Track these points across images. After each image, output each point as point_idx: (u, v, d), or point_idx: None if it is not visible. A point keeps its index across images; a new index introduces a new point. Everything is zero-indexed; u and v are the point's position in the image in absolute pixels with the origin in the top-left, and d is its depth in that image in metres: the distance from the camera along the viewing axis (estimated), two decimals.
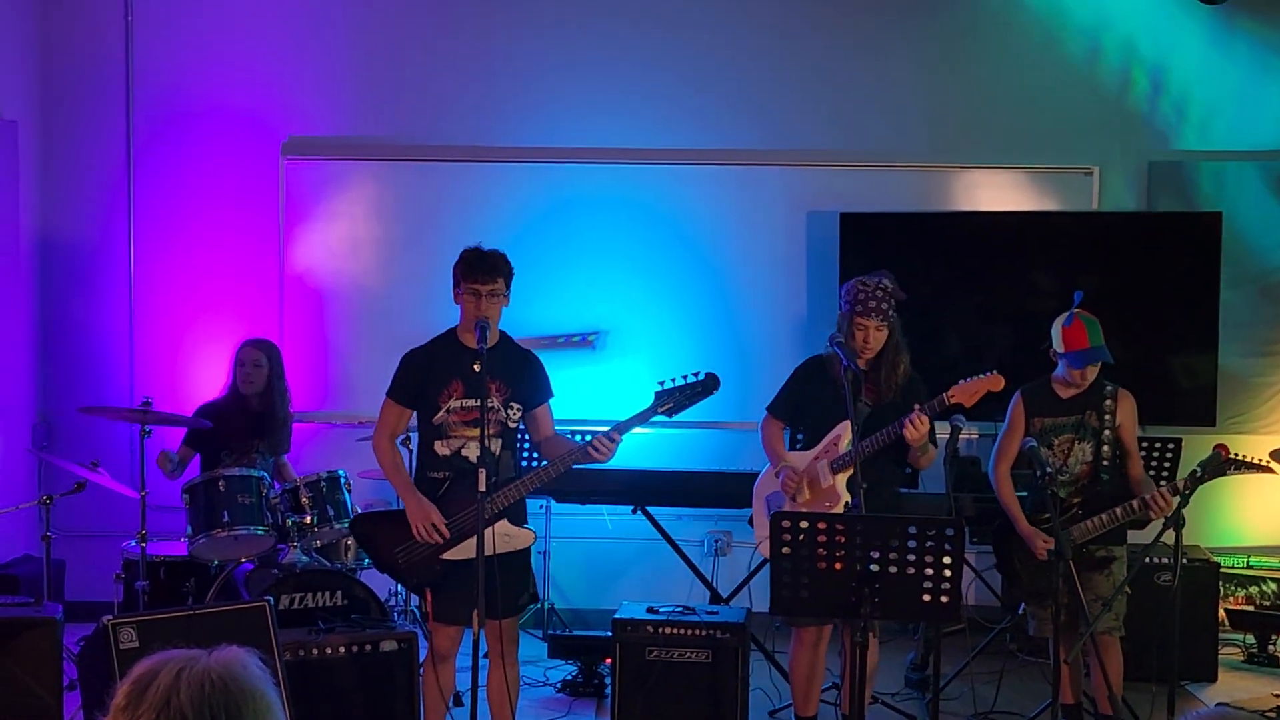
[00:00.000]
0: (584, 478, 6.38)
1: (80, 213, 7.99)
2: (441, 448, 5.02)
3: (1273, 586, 7.13)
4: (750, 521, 5.70)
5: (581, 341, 7.86)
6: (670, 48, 7.90)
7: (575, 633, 7.15)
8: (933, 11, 7.95)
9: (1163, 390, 7.32)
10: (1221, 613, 7.00)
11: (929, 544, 4.35)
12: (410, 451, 5.87)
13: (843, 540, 4.40)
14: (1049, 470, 5.17)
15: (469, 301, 4.97)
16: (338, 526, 6.26)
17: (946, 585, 4.37)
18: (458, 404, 5.00)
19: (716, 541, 7.78)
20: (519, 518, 5.06)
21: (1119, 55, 7.88)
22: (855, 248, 7.46)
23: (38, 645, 5.40)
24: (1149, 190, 7.87)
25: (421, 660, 5.42)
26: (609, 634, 5.63)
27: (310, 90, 7.97)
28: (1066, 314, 5.46)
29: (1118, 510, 5.32)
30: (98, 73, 7.94)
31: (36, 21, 7.90)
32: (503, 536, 4.88)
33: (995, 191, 7.87)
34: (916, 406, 5.10)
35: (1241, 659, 7.07)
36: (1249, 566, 7.28)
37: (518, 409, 5.06)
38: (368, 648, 5.46)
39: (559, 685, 6.55)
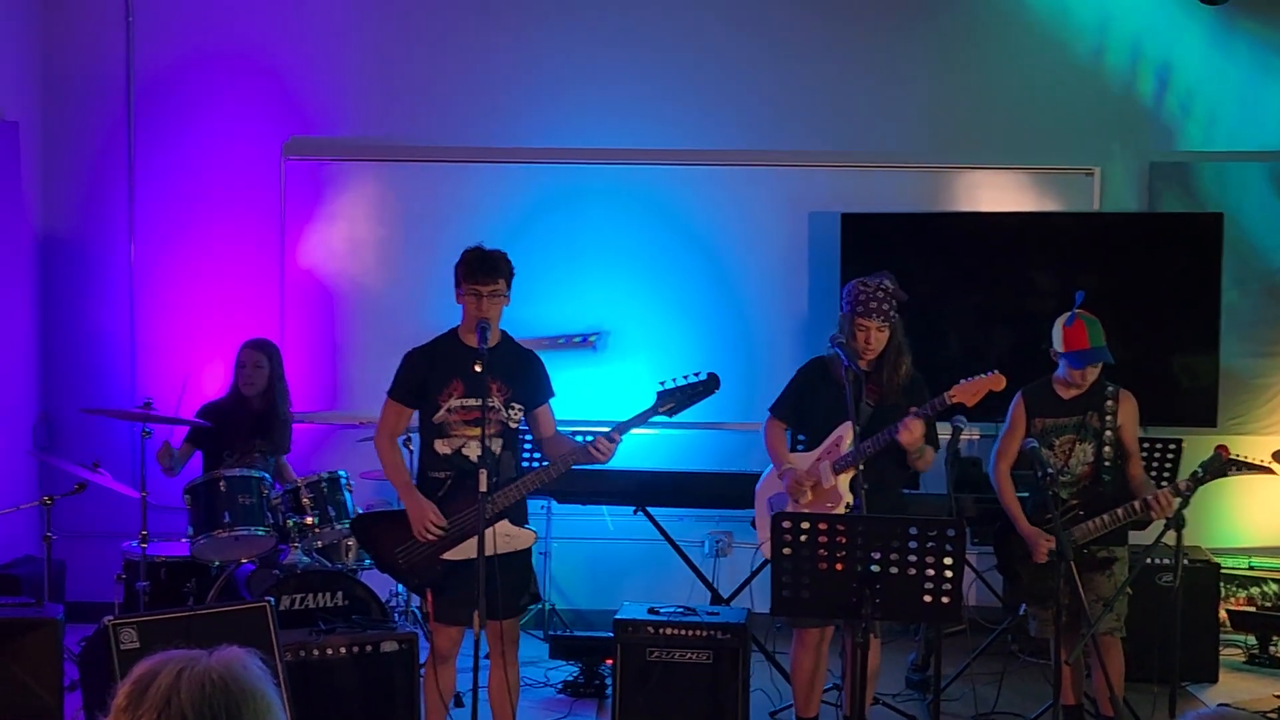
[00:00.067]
0: (585, 478, 6.38)
1: (82, 213, 7.99)
2: (442, 447, 5.03)
3: (1273, 587, 7.13)
4: (753, 523, 5.69)
5: (583, 342, 7.86)
6: (672, 48, 7.90)
7: (576, 633, 7.15)
8: (934, 13, 7.95)
9: (1164, 391, 7.31)
10: (1222, 613, 7.00)
11: (930, 545, 4.35)
12: (411, 452, 5.87)
13: (843, 541, 4.40)
14: (1050, 471, 5.16)
15: (470, 302, 4.97)
16: (339, 527, 6.25)
17: (947, 586, 4.37)
18: (458, 403, 5.00)
19: (717, 542, 7.78)
20: (520, 518, 5.06)
21: (1120, 56, 7.87)
22: (857, 248, 7.46)
23: (39, 646, 5.41)
24: (1150, 191, 7.87)
25: (422, 661, 5.42)
26: (610, 635, 5.63)
27: (312, 91, 7.97)
28: (1068, 314, 5.45)
29: (1119, 511, 5.32)
30: (99, 74, 7.95)
31: (38, 23, 7.90)
32: (504, 536, 4.88)
33: (996, 192, 7.87)
34: (911, 411, 5.10)
35: (1242, 660, 7.06)
36: (1250, 567, 7.28)
37: (519, 409, 5.06)
38: (368, 648, 5.46)
39: (560, 686, 6.55)
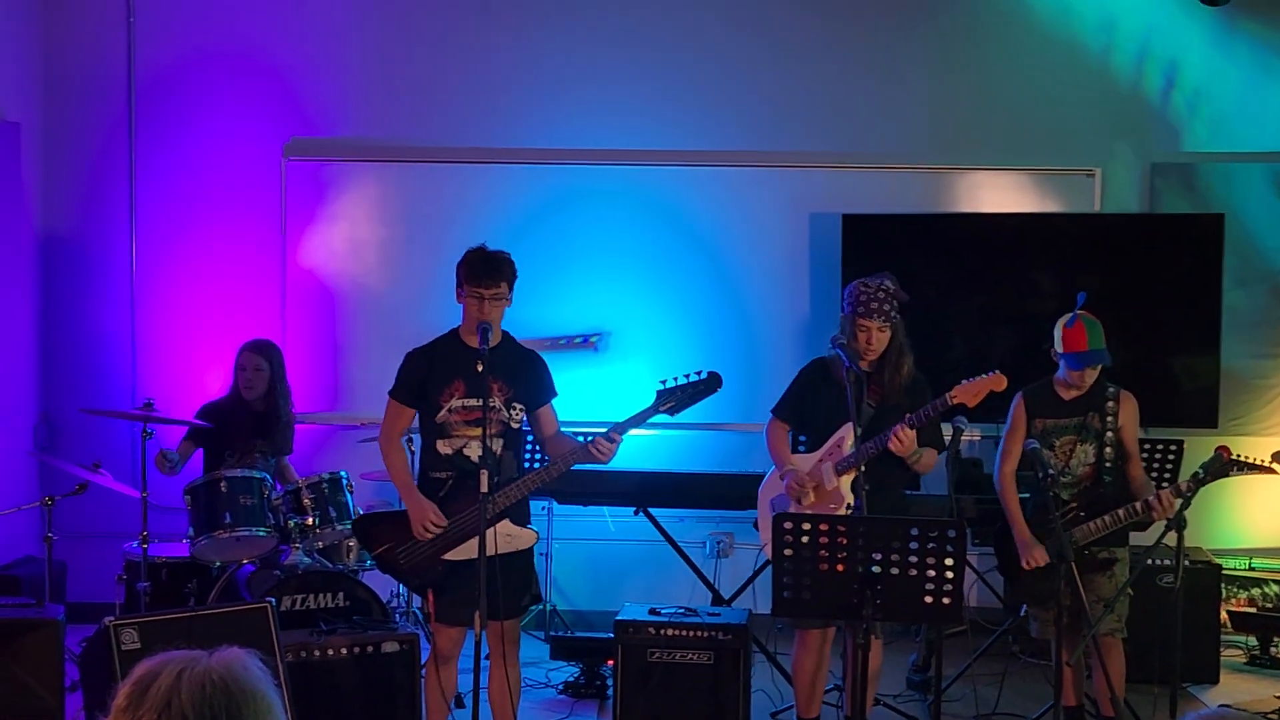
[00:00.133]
0: (586, 479, 6.38)
1: (83, 214, 8.00)
2: (444, 447, 5.03)
3: (1274, 588, 7.13)
4: (755, 524, 5.70)
5: (584, 343, 7.86)
6: (673, 49, 7.90)
7: (577, 634, 7.15)
8: (935, 14, 7.95)
9: (1164, 392, 7.31)
10: (1223, 614, 7.00)
11: (930, 545, 4.34)
12: (412, 452, 5.87)
13: (844, 542, 4.39)
14: (1051, 472, 5.16)
15: (472, 304, 4.97)
16: (340, 528, 6.26)
17: (948, 587, 4.37)
18: (459, 403, 5.00)
19: (719, 543, 7.78)
20: (522, 518, 5.06)
21: (1121, 57, 7.87)
22: (858, 249, 7.46)
23: (39, 646, 5.41)
24: (1151, 192, 7.86)
25: (423, 661, 5.42)
26: (611, 635, 5.63)
27: (312, 91, 7.98)
28: (1069, 315, 5.45)
29: (1120, 512, 5.32)
30: (100, 74, 7.95)
31: (39, 24, 7.90)
32: (505, 536, 4.88)
33: (997, 193, 7.87)
34: (906, 417, 5.10)
35: (1243, 661, 7.06)
36: (1251, 568, 7.28)
37: (520, 409, 5.06)
38: (369, 649, 5.47)
39: (561, 687, 6.55)
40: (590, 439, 4.97)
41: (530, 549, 5.12)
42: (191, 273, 7.97)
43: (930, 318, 6.98)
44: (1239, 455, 5.24)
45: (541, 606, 7.50)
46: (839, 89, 7.93)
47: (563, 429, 5.23)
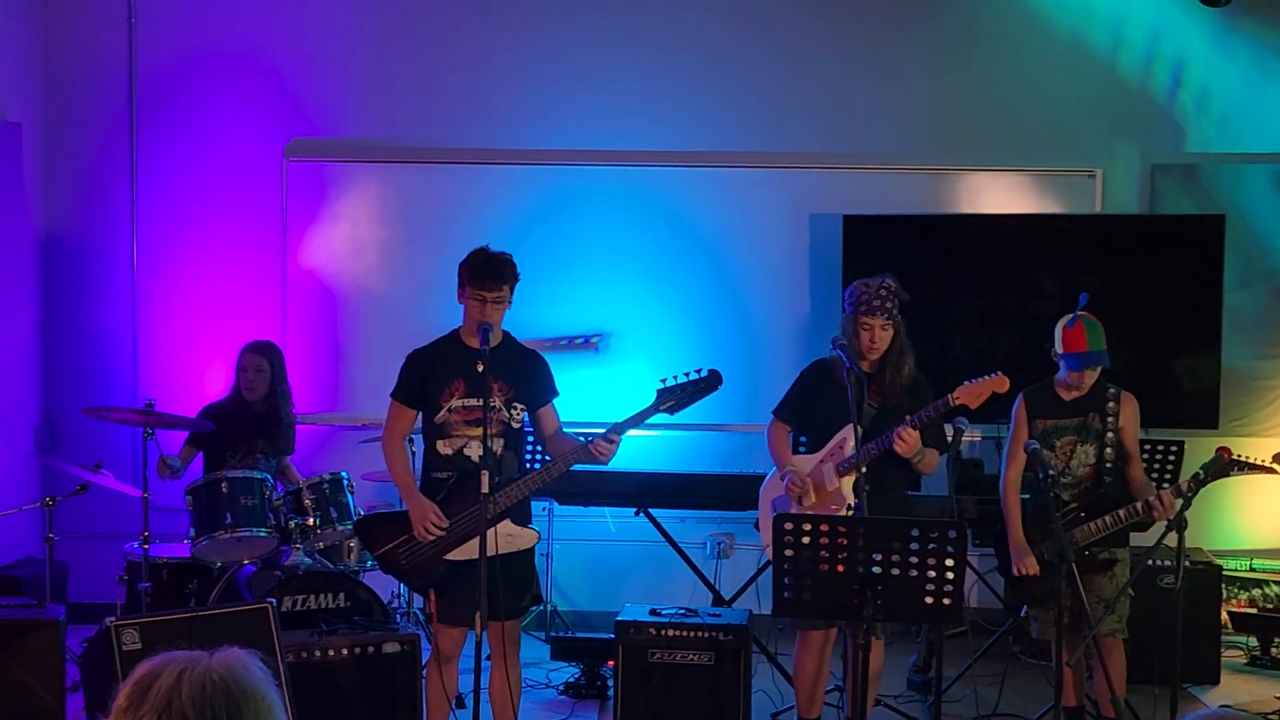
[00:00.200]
0: (587, 480, 6.39)
1: (84, 215, 8.00)
2: (444, 447, 5.03)
3: (1275, 589, 7.13)
4: (756, 525, 5.70)
5: (585, 343, 7.87)
6: (674, 50, 7.90)
7: (578, 635, 7.15)
8: (935, 15, 7.95)
9: (1165, 393, 7.31)
10: (1224, 615, 7.00)
11: (931, 546, 4.34)
12: (414, 453, 5.88)
13: (845, 542, 4.40)
14: (1052, 473, 5.16)
15: (474, 306, 4.97)
16: (340, 528, 6.26)
17: (949, 587, 4.37)
18: (459, 403, 5.01)
19: (719, 544, 7.78)
20: (523, 518, 5.06)
21: (1122, 58, 7.87)
22: (858, 250, 7.45)
23: (40, 647, 5.41)
24: (1152, 193, 7.87)
25: (424, 662, 5.43)
26: (612, 636, 5.63)
27: (313, 92, 7.98)
28: (1070, 315, 5.45)
29: (1121, 512, 5.32)
30: (102, 75, 7.96)
31: (40, 24, 7.91)
32: (506, 537, 4.88)
33: (998, 194, 7.87)
34: (907, 418, 5.09)
35: (1244, 662, 7.06)
36: (1251, 569, 7.28)
37: (521, 409, 5.06)
38: (370, 649, 5.47)
39: (561, 687, 6.55)
40: (590, 439, 4.97)
41: (531, 549, 5.12)
42: (192, 273, 7.97)
43: (931, 319, 6.98)
44: (1240, 456, 5.24)
45: (542, 607, 7.50)
46: (840, 89, 7.93)
47: (564, 429, 5.23)
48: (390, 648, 5.50)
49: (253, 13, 7.96)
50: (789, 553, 4.44)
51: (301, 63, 7.96)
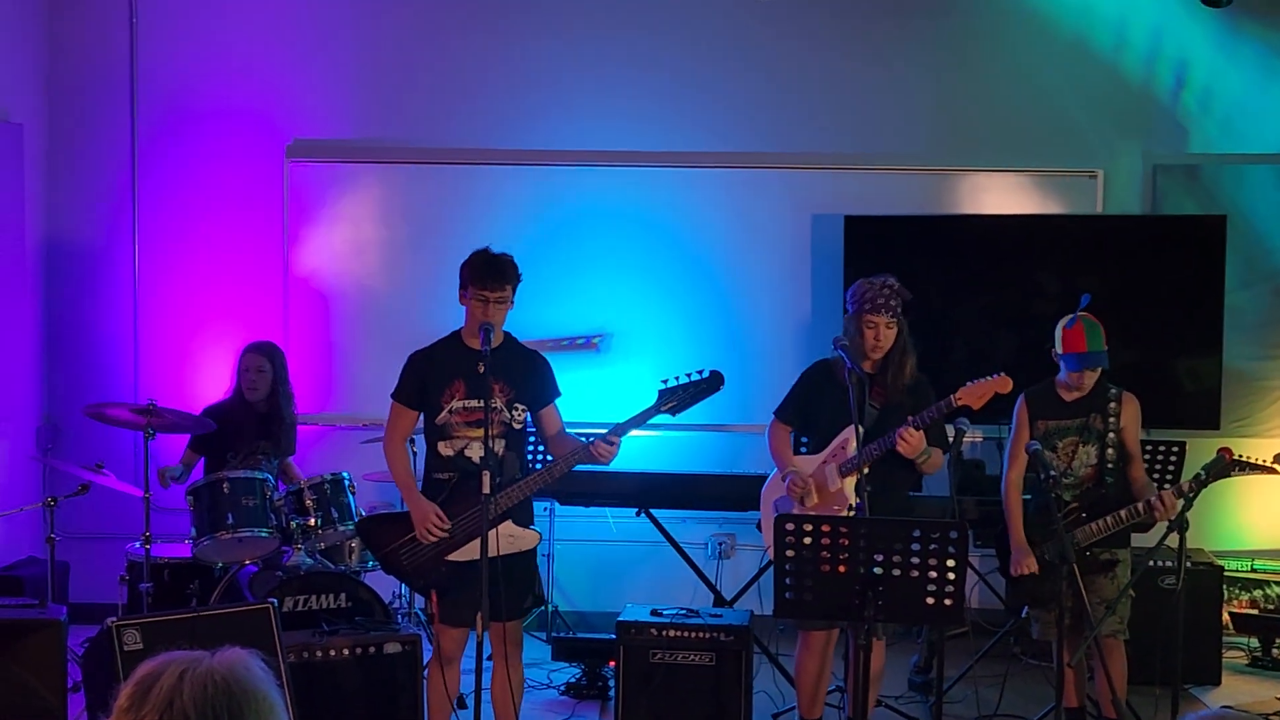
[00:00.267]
0: (588, 480, 6.38)
1: (85, 215, 8.00)
2: (445, 448, 5.04)
3: (1276, 590, 7.13)
4: (758, 526, 5.70)
5: (586, 344, 7.87)
6: (675, 51, 7.90)
7: (579, 635, 7.15)
8: (936, 15, 7.95)
9: (1167, 393, 7.31)
10: (1225, 616, 7.00)
11: (932, 547, 4.34)
12: (415, 454, 5.88)
13: (846, 543, 4.40)
14: (1053, 473, 5.16)
15: (476, 306, 4.97)
16: (342, 529, 6.26)
17: (950, 588, 4.36)
18: (460, 404, 5.01)
19: (720, 544, 7.78)
20: (525, 518, 5.06)
21: (1124, 58, 7.86)
22: (860, 251, 7.45)
23: (42, 647, 5.41)
24: (1154, 193, 7.86)
25: (425, 662, 5.43)
26: (613, 636, 5.63)
27: (315, 92, 7.98)
28: (1070, 316, 5.46)
29: (1122, 513, 5.32)
30: (103, 75, 7.96)
31: (43, 24, 7.91)
32: (508, 537, 4.88)
33: (1000, 194, 7.87)
34: (909, 419, 5.09)
35: (1245, 662, 7.06)
36: (1253, 570, 7.27)
37: (522, 410, 5.06)
38: (371, 650, 5.47)
39: (563, 688, 6.55)
40: (592, 440, 4.97)
41: (533, 550, 5.12)
42: (194, 274, 7.97)
43: (933, 319, 6.98)
44: (1241, 456, 5.24)
45: (543, 608, 7.50)
46: (842, 90, 7.93)
47: (566, 429, 5.23)
48: (391, 648, 5.51)
49: (255, 13, 7.96)
50: (790, 553, 4.44)
51: (303, 63, 7.96)
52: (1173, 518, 5.15)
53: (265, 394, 6.66)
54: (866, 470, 5.05)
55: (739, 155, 7.91)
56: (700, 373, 5.01)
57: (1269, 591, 7.14)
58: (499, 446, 4.98)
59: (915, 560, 4.35)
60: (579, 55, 7.92)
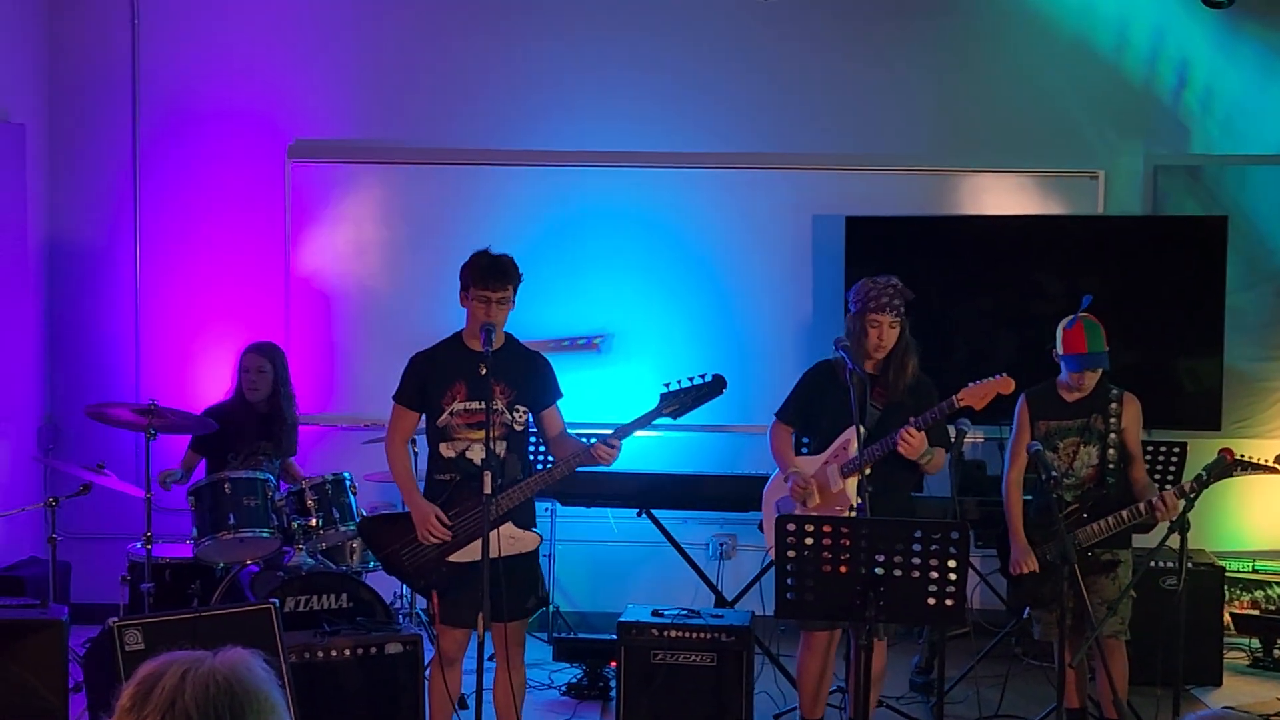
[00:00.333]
0: (589, 480, 6.38)
1: (87, 215, 8.00)
2: (447, 450, 5.04)
3: (1278, 591, 7.13)
4: (760, 526, 5.69)
5: (587, 344, 7.87)
6: (677, 52, 7.90)
7: (580, 635, 7.16)
8: (937, 16, 7.94)
9: (1168, 394, 7.31)
10: (1227, 617, 7.00)
11: (934, 548, 4.34)
12: (416, 454, 5.88)
13: (848, 544, 4.40)
14: (1054, 474, 5.16)
15: (478, 307, 4.97)
16: (343, 529, 6.27)
17: (951, 589, 4.36)
18: (461, 406, 5.01)
19: (722, 545, 7.78)
20: (526, 520, 5.06)
21: (1126, 59, 7.86)
22: (861, 251, 7.45)
23: (43, 647, 5.41)
24: (1155, 194, 7.86)
25: (427, 662, 5.43)
26: (614, 637, 5.63)
27: (317, 93, 7.98)
28: (1071, 316, 5.46)
29: (1123, 513, 5.32)
30: (105, 76, 7.96)
31: (44, 25, 7.92)
32: (508, 539, 4.89)
33: (1001, 195, 7.87)
34: (911, 420, 5.09)
35: (1246, 663, 7.06)
36: (1254, 571, 7.27)
37: (523, 411, 5.06)
38: (373, 650, 5.47)
39: (564, 688, 6.55)
40: (593, 442, 4.97)
41: (536, 551, 5.11)
42: (195, 274, 7.98)
43: (933, 320, 6.97)
44: (1242, 456, 5.24)
45: (544, 608, 7.50)
46: (843, 91, 7.93)
47: (567, 430, 5.23)
48: (393, 648, 5.51)
49: (256, 14, 7.96)
50: (792, 554, 4.44)
51: (305, 64, 7.96)
52: (1174, 518, 5.15)
53: (266, 394, 6.66)
54: (868, 471, 5.05)
55: (740, 156, 7.91)
56: (703, 376, 5.01)
57: (1270, 592, 7.14)
58: (500, 448, 4.98)
59: (916, 561, 4.35)
60: (580, 56, 7.92)
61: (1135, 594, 5.45)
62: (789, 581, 4.47)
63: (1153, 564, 6.14)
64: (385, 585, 6.19)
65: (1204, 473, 5.17)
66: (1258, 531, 7.74)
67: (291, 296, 7.93)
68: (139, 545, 6.14)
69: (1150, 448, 6.58)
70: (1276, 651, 7.01)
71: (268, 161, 7.95)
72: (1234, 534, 7.70)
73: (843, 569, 4.40)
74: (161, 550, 6.32)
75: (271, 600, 5.27)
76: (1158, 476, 6.57)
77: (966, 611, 4.67)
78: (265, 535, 6.09)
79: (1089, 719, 5.64)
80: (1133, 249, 7.55)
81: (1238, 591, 7.18)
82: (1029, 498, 5.65)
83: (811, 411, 5.45)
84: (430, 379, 5.07)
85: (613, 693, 6.14)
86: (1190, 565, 5.81)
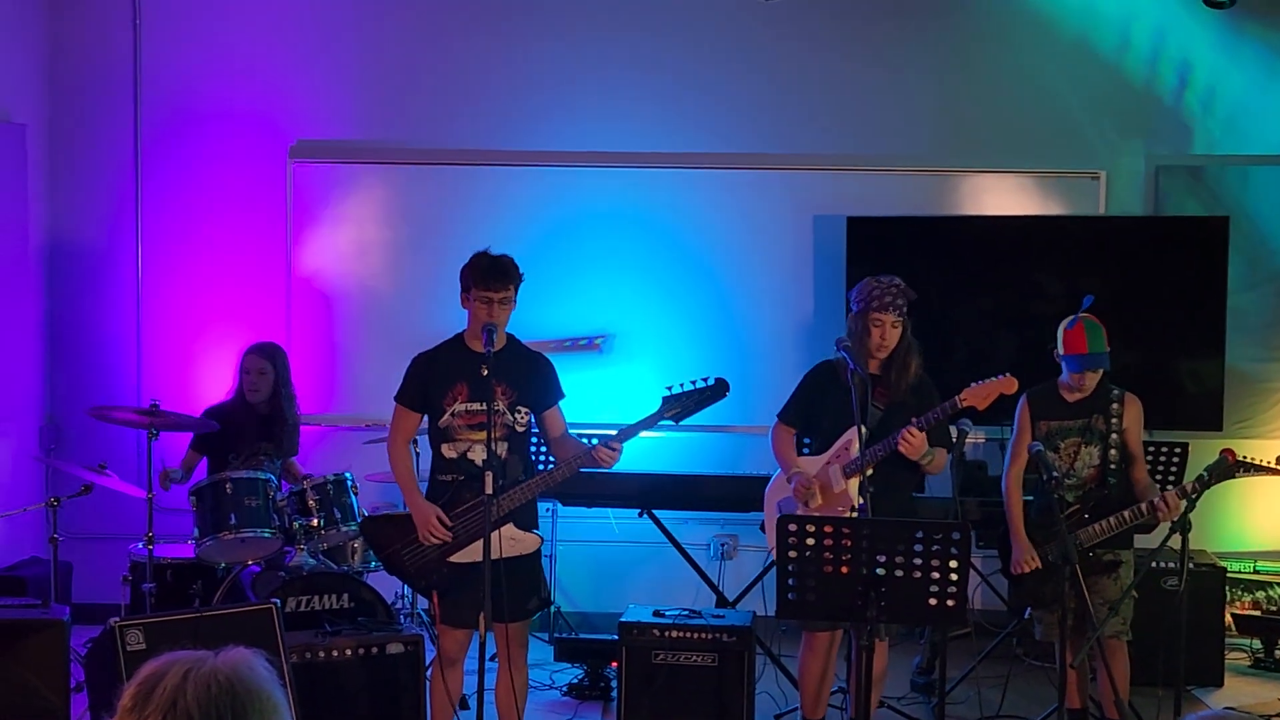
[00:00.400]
0: (590, 481, 6.38)
1: (88, 216, 8.00)
2: (448, 451, 5.04)
3: (1279, 591, 7.12)
4: (762, 527, 5.69)
5: (589, 345, 7.87)
6: (678, 53, 7.90)
7: (581, 636, 7.15)
8: (938, 16, 7.94)
9: (1169, 394, 7.31)
10: (1228, 617, 7.00)
11: (935, 548, 4.34)
12: (418, 454, 5.88)
13: (849, 544, 4.40)
14: (1055, 474, 5.16)
15: (479, 308, 4.97)
16: (344, 529, 6.26)
17: (952, 589, 4.37)
18: (462, 407, 5.01)
19: (723, 545, 7.78)
20: (528, 522, 5.06)
21: (1126, 59, 7.86)
22: (862, 252, 7.45)
23: (45, 647, 5.41)
24: (1157, 194, 7.86)
25: (428, 663, 5.42)
26: (615, 637, 5.63)
27: (318, 93, 7.98)
28: (1071, 316, 5.46)
29: (1125, 514, 5.32)
30: (106, 76, 7.96)
31: (45, 25, 7.92)
32: (509, 540, 4.89)
33: (1002, 196, 7.87)
34: (913, 420, 5.09)
35: (1248, 664, 7.06)
36: (1255, 571, 7.27)
37: (525, 412, 5.06)
38: (374, 650, 5.48)
39: (565, 688, 6.55)
40: (594, 444, 4.97)
41: (538, 553, 5.11)
42: (197, 274, 7.98)
43: (934, 320, 6.97)
44: (1244, 457, 5.24)
45: (550, 608, 7.50)
46: (844, 91, 7.92)
47: (569, 431, 5.23)
48: (394, 649, 5.51)
49: (258, 15, 7.96)
50: (793, 554, 4.44)
51: (306, 65, 7.96)
52: (1176, 519, 5.15)
53: (267, 395, 6.66)
54: (870, 472, 5.04)
55: (741, 156, 7.90)
56: (705, 380, 4.99)
57: (1271, 593, 7.14)
58: (502, 449, 4.98)
59: (918, 561, 4.35)
60: (581, 57, 7.92)
61: (1137, 594, 5.45)
62: (790, 582, 4.47)
63: (1154, 564, 6.13)
64: (387, 585, 6.19)
65: (1206, 473, 5.17)
66: (1259, 532, 7.74)
67: (293, 297, 7.93)
68: (140, 545, 6.14)
69: (1151, 448, 6.58)
70: (1278, 652, 7.01)
71: (269, 162, 7.95)
72: (1235, 535, 7.69)
73: (844, 569, 4.40)
74: (163, 550, 6.32)
75: (273, 600, 5.28)
76: (1159, 477, 6.57)
77: (968, 612, 4.67)
78: (267, 535, 6.09)
79: (1090, 719, 5.64)
80: (1134, 249, 7.54)
81: (1239, 592, 7.17)
82: (1030, 498, 5.65)
83: (813, 412, 5.45)
84: (432, 380, 5.07)
85: (614, 693, 6.13)
86: (1192, 566, 5.81)
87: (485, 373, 4.83)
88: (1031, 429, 5.53)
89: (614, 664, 6.01)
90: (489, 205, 7.82)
